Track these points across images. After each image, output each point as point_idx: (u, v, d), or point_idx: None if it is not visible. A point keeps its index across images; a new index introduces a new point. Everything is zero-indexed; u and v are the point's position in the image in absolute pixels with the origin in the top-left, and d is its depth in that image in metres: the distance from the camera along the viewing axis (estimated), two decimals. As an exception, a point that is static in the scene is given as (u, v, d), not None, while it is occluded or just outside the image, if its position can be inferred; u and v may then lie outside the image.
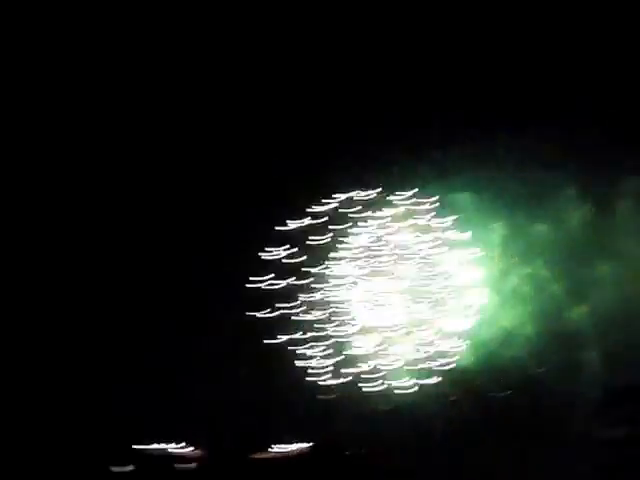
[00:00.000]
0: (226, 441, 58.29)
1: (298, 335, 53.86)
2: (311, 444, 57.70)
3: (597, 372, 54.37)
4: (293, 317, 54.10)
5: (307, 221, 54.38)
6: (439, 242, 54.87)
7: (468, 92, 54.73)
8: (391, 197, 55.44)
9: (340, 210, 54.55)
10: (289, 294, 54.00)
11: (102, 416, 56.24)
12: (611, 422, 58.15)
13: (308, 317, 53.69)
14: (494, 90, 54.48)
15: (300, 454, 58.28)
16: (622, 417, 58.34)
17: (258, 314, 53.77)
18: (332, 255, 54.14)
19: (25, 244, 55.43)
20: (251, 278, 53.76)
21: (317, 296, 53.99)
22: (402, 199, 55.11)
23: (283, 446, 58.29)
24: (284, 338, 53.88)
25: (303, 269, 53.80)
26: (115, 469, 57.88)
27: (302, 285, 53.90)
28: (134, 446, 57.58)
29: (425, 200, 55.03)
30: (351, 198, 54.70)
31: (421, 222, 55.11)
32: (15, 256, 55.47)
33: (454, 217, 54.78)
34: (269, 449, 58.95)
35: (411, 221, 55.07)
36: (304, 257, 54.17)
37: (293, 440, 57.44)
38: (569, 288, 54.52)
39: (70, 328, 55.61)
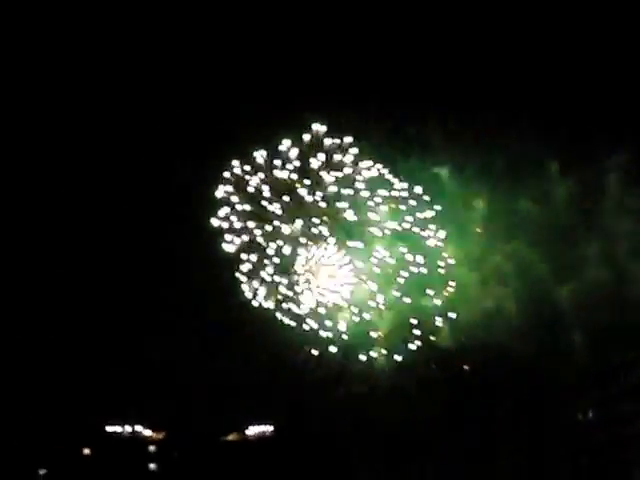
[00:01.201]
0: (196, 422, 56.78)
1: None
2: (273, 425, 55.88)
3: (577, 354, 52.89)
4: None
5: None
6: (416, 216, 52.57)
7: (448, 68, 52.75)
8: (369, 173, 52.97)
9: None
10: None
11: (69, 398, 54.95)
12: (584, 405, 57.26)
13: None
14: (474, 65, 52.52)
15: (264, 436, 56.45)
16: (594, 400, 57.38)
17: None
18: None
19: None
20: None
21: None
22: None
23: (256, 427, 56.88)
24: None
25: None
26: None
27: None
28: (103, 427, 56.48)
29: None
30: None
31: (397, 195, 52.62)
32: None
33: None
34: (244, 430, 57.51)
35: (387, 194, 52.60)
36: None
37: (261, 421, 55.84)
38: (551, 267, 52.54)
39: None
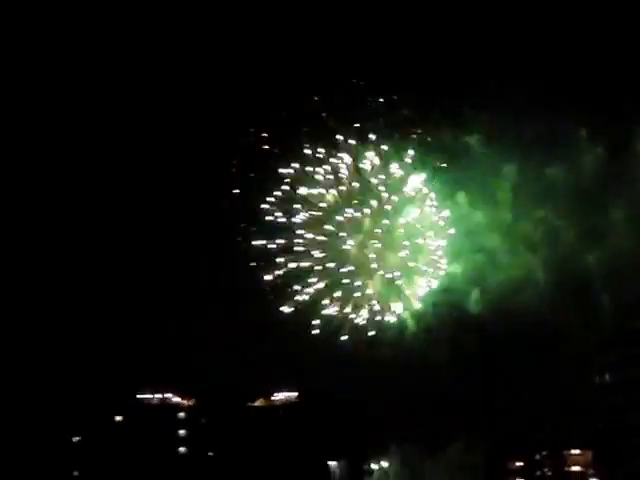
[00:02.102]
0: (223, 389, 58.03)
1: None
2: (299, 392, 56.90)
3: (600, 318, 53.82)
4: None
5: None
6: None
7: (479, 39, 53.80)
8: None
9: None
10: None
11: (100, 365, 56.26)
12: (600, 368, 58.52)
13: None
14: (504, 36, 53.48)
15: (290, 402, 57.63)
16: (609, 363, 58.54)
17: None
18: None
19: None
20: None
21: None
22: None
23: (283, 394, 58.10)
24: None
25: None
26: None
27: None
28: (135, 395, 57.80)
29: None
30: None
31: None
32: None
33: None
34: (270, 397, 58.68)
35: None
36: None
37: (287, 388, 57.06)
38: (579, 233, 53.28)
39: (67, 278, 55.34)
